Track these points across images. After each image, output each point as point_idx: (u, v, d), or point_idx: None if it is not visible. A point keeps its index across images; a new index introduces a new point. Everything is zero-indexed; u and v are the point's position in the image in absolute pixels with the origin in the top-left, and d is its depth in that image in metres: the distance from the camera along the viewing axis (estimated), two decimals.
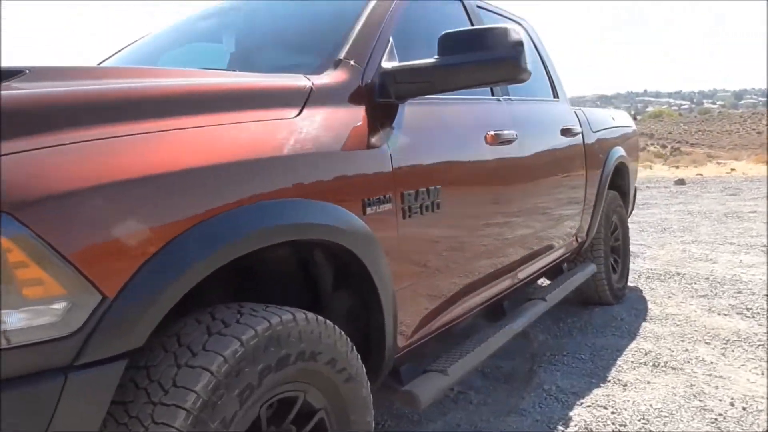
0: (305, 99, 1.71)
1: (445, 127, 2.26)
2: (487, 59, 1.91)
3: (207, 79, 1.64)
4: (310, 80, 1.78)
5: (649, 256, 5.94)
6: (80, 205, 1.09)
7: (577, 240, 3.79)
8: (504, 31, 1.95)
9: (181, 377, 1.27)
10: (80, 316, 1.08)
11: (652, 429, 2.43)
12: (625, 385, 2.90)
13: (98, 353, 1.10)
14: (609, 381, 2.96)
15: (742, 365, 3.08)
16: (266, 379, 1.39)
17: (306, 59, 2.05)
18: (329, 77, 1.86)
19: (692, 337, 3.54)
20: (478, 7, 3.03)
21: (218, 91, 1.55)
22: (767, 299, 4.15)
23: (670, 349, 3.36)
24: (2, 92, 1.19)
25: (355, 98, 1.87)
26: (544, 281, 3.91)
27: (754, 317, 3.80)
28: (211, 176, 1.32)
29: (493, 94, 2.78)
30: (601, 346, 3.45)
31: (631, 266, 5.21)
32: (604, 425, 2.48)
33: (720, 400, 2.66)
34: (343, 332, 1.65)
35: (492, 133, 2.53)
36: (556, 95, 3.63)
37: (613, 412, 2.58)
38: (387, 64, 2.02)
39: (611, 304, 4.25)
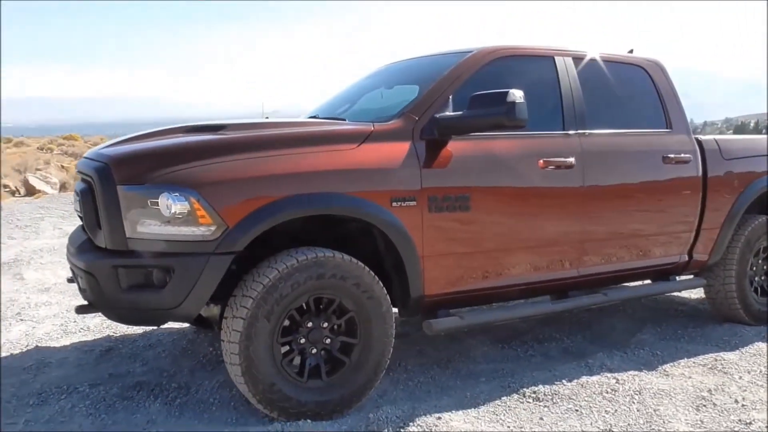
0: (365, 138, 2.85)
1: (490, 154, 3.11)
2: (487, 114, 2.78)
3: (310, 128, 2.93)
4: (373, 126, 2.92)
5: None
6: (224, 188, 2.48)
7: (690, 256, 3.98)
8: (504, 94, 2.79)
9: (267, 271, 2.58)
10: (218, 232, 2.47)
11: (645, 399, 2.87)
12: (667, 375, 3.24)
13: (222, 249, 2.47)
14: (655, 370, 3.31)
15: None
16: (309, 282, 2.61)
17: (393, 111, 3.15)
18: (389, 124, 2.96)
19: None
20: (578, 59, 3.65)
21: (313, 134, 2.83)
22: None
23: (742, 360, 3.44)
24: (209, 137, 2.67)
25: (405, 136, 2.93)
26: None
27: None
28: (298, 177, 2.59)
29: (564, 128, 3.43)
30: (686, 350, 3.67)
31: None
32: (600, 387, 2.99)
33: (721, 397, 2.89)
34: (369, 269, 2.75)
35: (545, 159, 3.24)
36: (669, 126, 3.90)
37: (617, 382, 3.05)
38: (438, 114, 3.00)
39: (749, 324, 4.19)
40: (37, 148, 20.14)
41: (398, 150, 2.89)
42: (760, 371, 3.27)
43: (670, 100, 3.98)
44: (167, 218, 2.45)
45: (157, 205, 2.46)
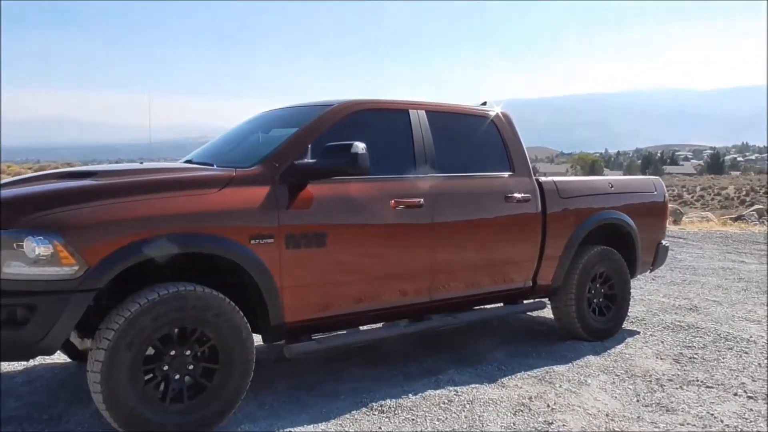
0: (227, 183, 3.16)
1: (346, 196, 3.49)
2: (335, 163, 3.18)
3: (175, 174, 3.21)
4: (235, 171, 3.24)
5: (707, 311, 5.85)
6: (86, 231, 2.70)
7: (534, 282, 4.52)
8: (349, 146, 3.20)
9: (129, 305, 2.81)
10: (80, 271, 2.68)
11: (475, 407, 3.28)
12: (503, 386, 3.69)
13: (84, 287, 2.69)
14: (494, 382, 3.76)
15: (593, 390, 3.65)
16: (170, 314, 2.86)
17: (258, 156, 3.47)
18: (250, 170, 3.29)
19: (605, 367, 4.08)
20: (431, 112, 4.14)
21: (177, 180, 3.11)
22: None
23: (569, 371, 3.97)
24: (77, 183, 2.89)
25: (265, 181, 3.26)
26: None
27: (680, 363, 4.10)
28: (158, 219, 2.85)
29: (415, 173, 3.88)
30: (528, 365, 4.16)
31: (680, 318, 5.48)
32: (439, 399, 3.40)
33: (538, 403, 3.37)
34: (230, 300, 3.03)
35: (396, 200, 3.66)
36: (513, 170, 4.46)
37: (455, 394, 3.47)
38: (297, 161, 3.36)
39: (588, 340, 4.76)
40: None
41: (257, 193, 3.21)
42: (579, 380, 3.80)
43: (514, 147, 4.54)
44: (32, 260, 2.64)
45: (23, 248, 2.64)
